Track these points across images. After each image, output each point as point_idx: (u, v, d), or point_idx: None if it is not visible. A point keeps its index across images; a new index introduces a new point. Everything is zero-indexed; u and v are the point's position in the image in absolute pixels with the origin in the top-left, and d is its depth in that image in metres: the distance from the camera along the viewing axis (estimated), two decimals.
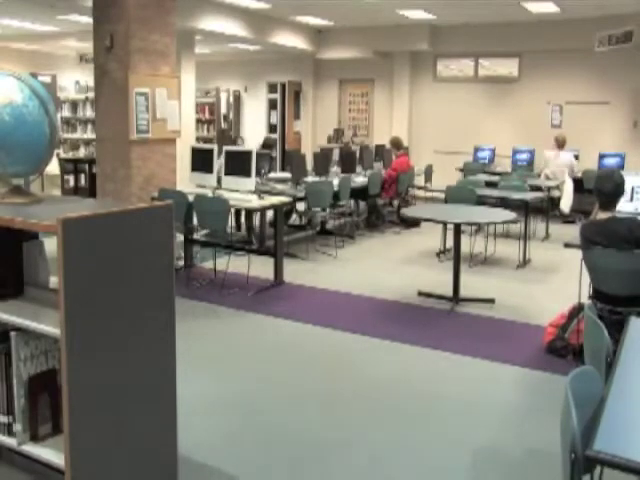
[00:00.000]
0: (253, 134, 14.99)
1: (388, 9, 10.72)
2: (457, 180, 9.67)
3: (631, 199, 5.23)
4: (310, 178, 8.41)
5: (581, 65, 11.60)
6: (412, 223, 9.22)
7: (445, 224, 7.18)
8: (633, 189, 5.24)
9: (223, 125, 15.62)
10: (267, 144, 9.69)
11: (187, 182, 6.81)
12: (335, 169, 9.58)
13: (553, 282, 6.52)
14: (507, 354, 4.58)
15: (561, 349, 4.52)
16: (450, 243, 6.41)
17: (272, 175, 8.71)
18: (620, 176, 4.03)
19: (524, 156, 11.45)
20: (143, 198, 6.58)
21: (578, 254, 4.08)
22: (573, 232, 4.04)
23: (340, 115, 14.74)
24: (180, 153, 7.39)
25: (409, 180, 9.83)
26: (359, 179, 8.91)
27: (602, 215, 3.98)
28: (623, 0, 9.20)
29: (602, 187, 3.96)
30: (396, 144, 9.99)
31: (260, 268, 6.41)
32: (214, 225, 6.14)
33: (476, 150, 11.88)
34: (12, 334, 2.20)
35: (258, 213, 7.60)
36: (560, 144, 9.98)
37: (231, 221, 6.30)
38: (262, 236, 7.89)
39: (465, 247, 6.78)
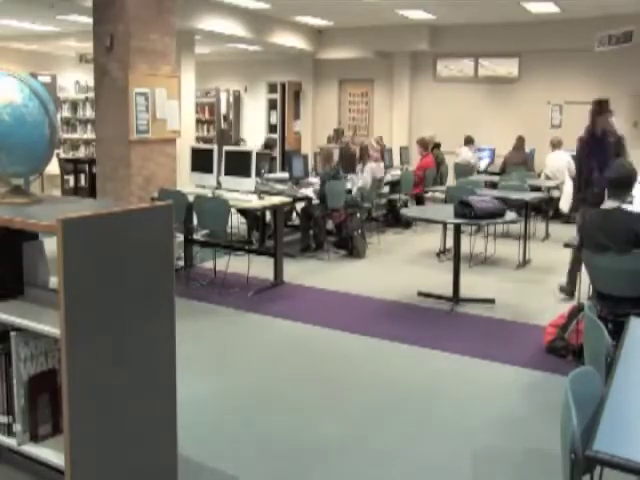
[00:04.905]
0: (253, 134, 14.99)
1: (388, 9, 10.72)
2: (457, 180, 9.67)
3: None
4: (311, 179, 8.40)
5: (581, 65, 11.60)
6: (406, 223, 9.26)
7: (445, 224, 7.18)
8: None
9: (223, 125, 15.62)
10: (268, 144, 9.70)
11: (187, 182, 6.81)
12: None
13: (553, 282, 6.51)
14: (507, 354, 4.58)
15: (561, 349, 4.52)
16: (450, 243, 6.41)
17: (272, 175, 8.71)
18: (630, 165, 4.02)
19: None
20: (143, 198, 6.57)
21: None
22: (573, 232, 4.03)
23: (340, 115, 14.74)
24: (180, 153, 7.39)
25: (433, 177, 10.30)
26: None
27: (610, 203, 3.90)
28: (623, 0, 9.21)
29: (610, 174, 3.96)
30: (423, 144, 10.29)
31: (260, 268, 6.41)
32: (214, 225, 6.14)
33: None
34: (12, 334, 2.19)
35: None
36: (555, 145, 9.99)
37: (231, 221, 6.29)
38: (262, 236, 7.88)
39: (465, 247, 6.77)
